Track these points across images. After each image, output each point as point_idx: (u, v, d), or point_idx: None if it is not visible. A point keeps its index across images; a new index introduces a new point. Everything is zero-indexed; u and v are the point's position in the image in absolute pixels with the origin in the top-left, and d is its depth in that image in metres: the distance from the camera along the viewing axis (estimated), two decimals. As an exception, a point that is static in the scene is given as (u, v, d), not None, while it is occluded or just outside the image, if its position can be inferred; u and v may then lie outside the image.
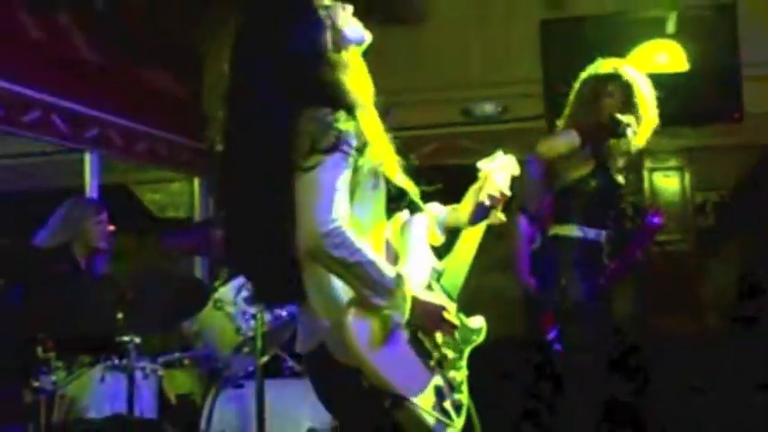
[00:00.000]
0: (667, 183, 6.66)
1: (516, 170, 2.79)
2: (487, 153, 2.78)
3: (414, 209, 2.57)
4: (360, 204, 2.33)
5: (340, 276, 2.26)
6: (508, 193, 2.71)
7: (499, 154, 2.77)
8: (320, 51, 2.34)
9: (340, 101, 2.29)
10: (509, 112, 6.69)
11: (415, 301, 2.28)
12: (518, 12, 6.61)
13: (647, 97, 4.22)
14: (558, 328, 4.51)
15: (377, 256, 2.25)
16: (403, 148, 2.50)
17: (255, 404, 4.06)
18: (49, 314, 4.14)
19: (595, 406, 4.16)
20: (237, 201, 2.36)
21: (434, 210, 2.72)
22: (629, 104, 4.21)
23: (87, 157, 5.78)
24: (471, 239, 2.68)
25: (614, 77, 4.27)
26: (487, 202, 2.67)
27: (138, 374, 4.09)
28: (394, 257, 2.44)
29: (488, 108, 6.63)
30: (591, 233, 4.24)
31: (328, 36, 2.36)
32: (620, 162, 4.36)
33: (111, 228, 4.79)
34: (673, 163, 6.67)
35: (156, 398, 4.23)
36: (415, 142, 2.65)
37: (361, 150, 2.30)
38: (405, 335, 2.32)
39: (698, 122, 6.14)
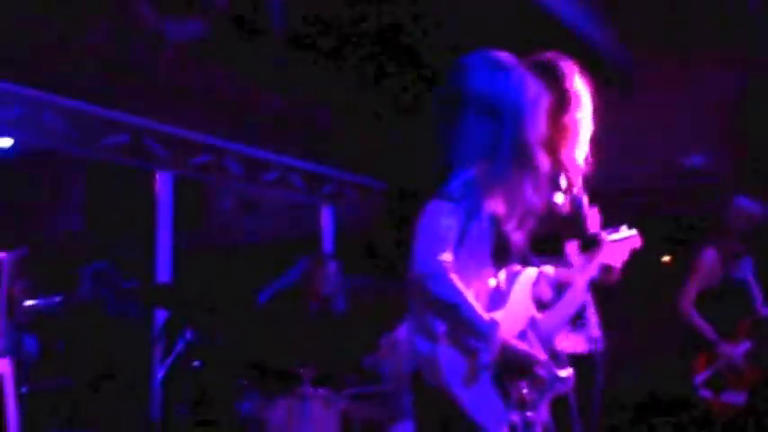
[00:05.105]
0: None
1: (637, 244, 2.94)
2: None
3: (525, 263, 2.72)
4: (466, 251, 2.51)
5: (437, 312, 2.47)
6: (618, 266, 2.89)
7: (624, 228, 2.96)
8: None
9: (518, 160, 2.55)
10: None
11: (505, 346, 2.48)
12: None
13: None
14: (709, 371, 4.47)
15: (474, 300, 2.44)
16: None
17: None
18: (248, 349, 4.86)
19: None
20: None
21: (547, 269, 2.85)
22: None
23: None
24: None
25: None
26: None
27: (318, 403, 4.59)
28: (497, 304, 2.61)
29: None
30: None
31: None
32: None
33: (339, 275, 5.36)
34: None
35: (335, 425, 4.68)
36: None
37: (477, 207, 2.51)
38: (489, 373, 2.49)
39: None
